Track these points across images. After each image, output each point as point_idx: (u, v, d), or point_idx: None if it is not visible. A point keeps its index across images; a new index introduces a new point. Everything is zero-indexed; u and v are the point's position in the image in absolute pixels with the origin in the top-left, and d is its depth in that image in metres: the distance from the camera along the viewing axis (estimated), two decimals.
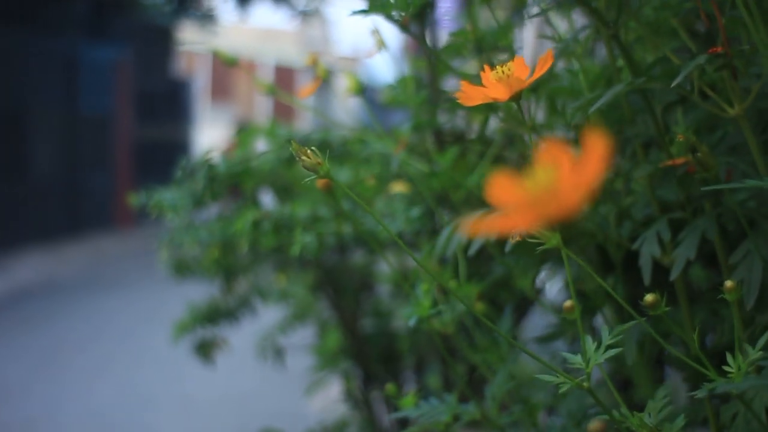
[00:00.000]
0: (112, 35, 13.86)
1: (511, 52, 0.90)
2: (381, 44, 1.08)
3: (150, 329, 8.29)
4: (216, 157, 1.13)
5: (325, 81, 1.08)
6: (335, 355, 1.63)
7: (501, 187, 0.35)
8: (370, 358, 1.62)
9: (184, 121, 17.02)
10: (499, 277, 0.90)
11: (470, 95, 0.59)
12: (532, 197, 0.36)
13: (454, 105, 0.75)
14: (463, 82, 0.60)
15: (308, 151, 0.66)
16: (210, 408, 6.21)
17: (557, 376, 0.61)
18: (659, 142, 0.67)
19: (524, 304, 1.48)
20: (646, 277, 0.64)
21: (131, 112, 14.39)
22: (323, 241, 0.97)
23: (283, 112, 29.54)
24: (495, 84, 0.59)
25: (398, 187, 1.06)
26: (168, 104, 16.27)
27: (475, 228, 0.35)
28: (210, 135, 23.74)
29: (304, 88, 1.07)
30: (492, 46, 0.79)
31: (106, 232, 13.60)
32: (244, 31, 24.55)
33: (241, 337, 8.65)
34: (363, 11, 0.74)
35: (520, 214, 0.34)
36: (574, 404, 0.75)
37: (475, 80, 0.75)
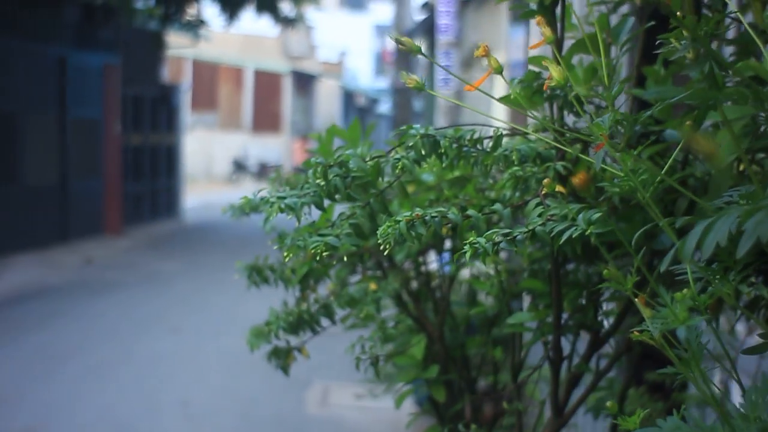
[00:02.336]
0: (101, 41, 13.75)
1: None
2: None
3: (143, 333, 8.22)
4: (348, 154, 1.07)
5: (498, 73, 1.02)
6: (421, 365, 1.57)
7: None
8: (457, 367, 1.56)
9: (172, 125, 16.91)
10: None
11: None
12: None
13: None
14: None
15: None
16: (211, 414, 6.14)
17: None
18: None
19: None
20: None
21: (119, 117, 14.26)
22: (497, 244, 0.91)
23: (266, 118, 29.44)
24: None
25: (550, 186, 1.01)
26: (156, 109, 16.17)
27: None
28: (192, 141, 23.61)
29: (473, 82, 1.01)
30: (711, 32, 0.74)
31: (95, 238, 13.46)
32: (226, 37, 24.46)
33: (241, 341, 8.51)
34: None
35: None
36: None
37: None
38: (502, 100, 1.17)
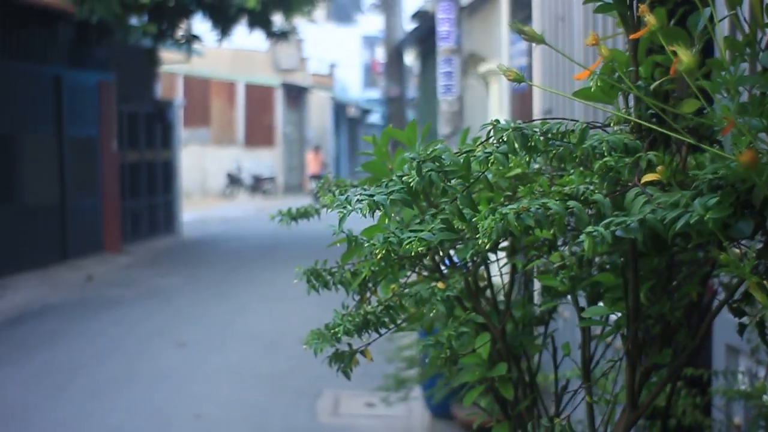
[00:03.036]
0: (95, 59, 13.76)
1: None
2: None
3: (148, 348, 8.21)
4: (441, 149, 1.07)
5: (608, 61, 1.02)
6: (486, 364, 1.57)
7: None
8: (518, 365, 1.56)
9: (168, 141, 16.90)
10: None
11: None
12: None
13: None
14: None
15: None
16: (223, 426, 6.12)
17: None
18: None
19: None
20: None
21: (116, 134, 14.24)
22: (613, 233, 0.91)
23: (259, 132, 29.43)
24: None
25: (651, 177, 1.01)
26: (152, 125, 16.17)
27: None
28: (186, 157, 23.59)
29: (581, 72, 1.01)
30: None
31: (95, 255, 13.42)
32: (217, 52, 24.49)
33: (245, 353, 8.51)
34: None
35: None
36: None
37: None
38: (580, 93, 1.18)
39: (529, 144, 1.07)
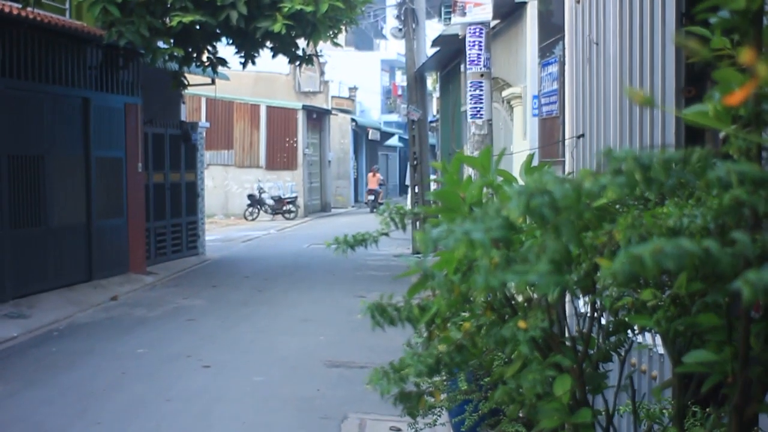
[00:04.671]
0: (122, 82, 13.84)
1: None
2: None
3: (174, 369, 8.11)
4: (550, 180, 0.97)
5: (765, 84, 0.93)
6: (567, 409, 1.45)
7: None
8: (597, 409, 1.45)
9: (192, 163, 16.92)
10: None
11: None
12: None
13: None
14: None
15: None
16: None
17: None
18: None
19: None
20: None
21: (142, 155, 14.28)
22: None
23: (281, 154, 29.47)
24: None
25: None
26: (177, 147, 16.22)
27: None
28: (208, 178, 23.64)
29: (735, 95, 0.91)
30: None
31: (120, 275, 13.40)
32: (239, 75, 24.60)
33: (271, 374, 8.41)
34: None
35: None
36: None
37: None
38: (694, 116, 1.07)
39: (648, 174, 0.97)
